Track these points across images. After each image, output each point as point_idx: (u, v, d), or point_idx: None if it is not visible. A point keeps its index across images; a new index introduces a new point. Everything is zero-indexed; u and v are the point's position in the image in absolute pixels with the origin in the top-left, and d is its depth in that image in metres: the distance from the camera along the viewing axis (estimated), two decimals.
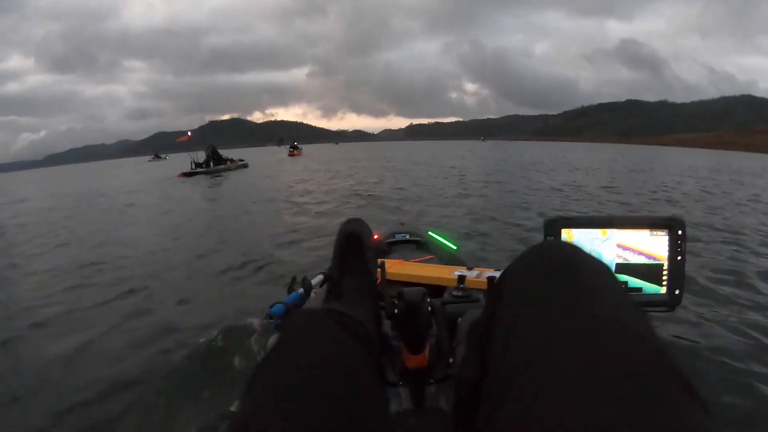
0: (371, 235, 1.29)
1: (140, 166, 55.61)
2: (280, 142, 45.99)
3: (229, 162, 27.94)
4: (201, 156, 26.79)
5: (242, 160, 29.92)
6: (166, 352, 2.93)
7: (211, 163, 26.31)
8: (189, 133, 30.34)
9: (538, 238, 1.04)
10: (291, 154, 43.70)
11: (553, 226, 1.03)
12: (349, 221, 1.32)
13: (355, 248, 1.25)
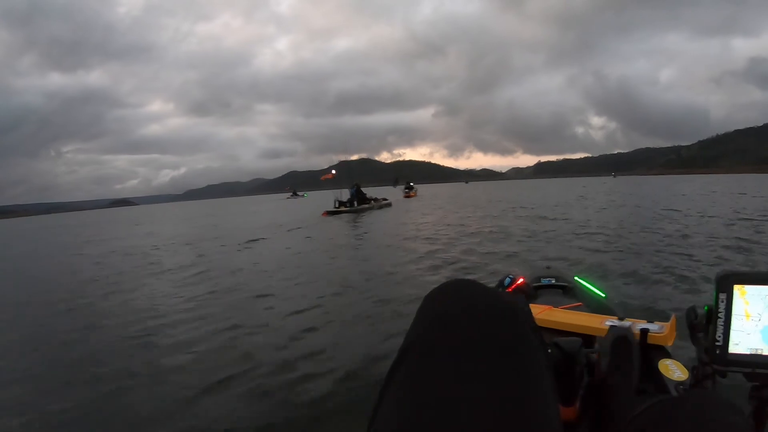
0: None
1: (280, 202, 58.16)
2: (395, 183, 43.51)
3: (372, 201, 27.77)
4: (345, 194, 26.63)
5: (386, 200, 29.85)
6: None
7: (355, 202, 26.06)
8: (333, 172, 30.78)
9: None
10: (407, 196, 40.21)
11: (726, 282, 0.94)
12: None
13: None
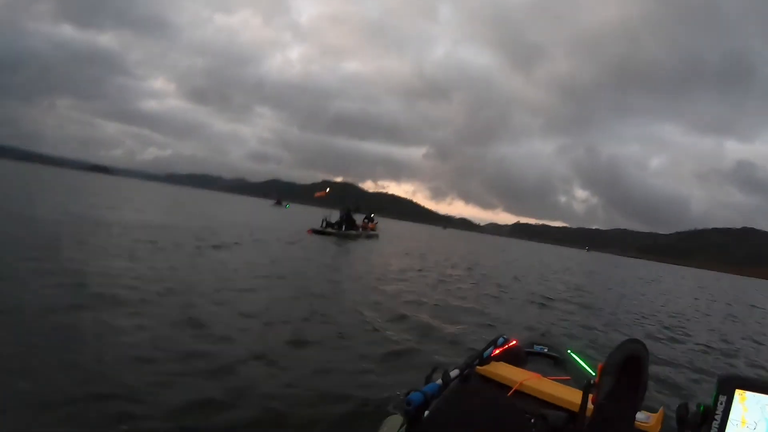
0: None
1: (263, 209, 57.60)
2: (349, 209, 31.05)
3: (361, 229, 27.30)
4: (335, 215, 25.88)
5: (374, 230, 29.47)
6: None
7: (344, 226, 25.35)
8: (328, 189, 30.58)
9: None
10: (364, 227, 31.92)
11: (728, 385, 0.97)
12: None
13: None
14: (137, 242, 10.94)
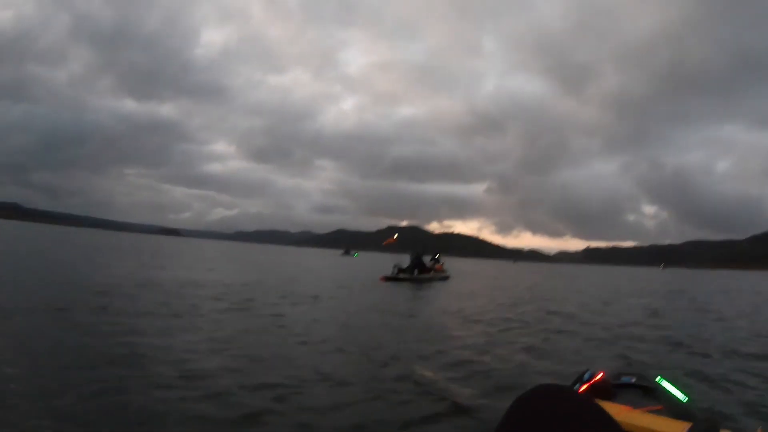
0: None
1: (333, 259, 58.49)
2: (418, 253, 29.35)
3: (432, 271, 27.01)
4: (405, 260, 25.85)
5: (445, 271, 29.11)
6: None
7: (416, 271, 25.11)
8: (396, 236, 30.80)
9: None
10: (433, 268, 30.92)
11: None
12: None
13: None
14: (225, 301, 11.54)
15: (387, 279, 23.53)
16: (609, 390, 2.40)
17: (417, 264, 25.64)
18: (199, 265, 27.48)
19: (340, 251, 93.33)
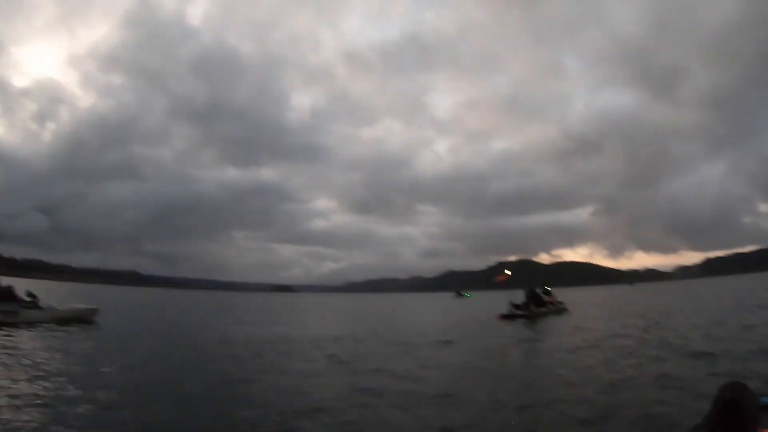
0: (757, 406, 1.09)
1: (445, 302, 58.42)
2: (532, 288, 27.89)
3: (549, 305, 26.31)
4: (518, 296, 25.14)
5: (561, 302, 28.30)
6: None
7: (531, 306, 24.52)
8: (507, 272, 30.47)
9: None
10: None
11: None
12: (733, 385, 1.16)
13: (735, 420, 1.10)
14: (365, 350, 12.55)
15: (504, 317, 23.25)
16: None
17: (532, 298, 25.06)
18: (325, 319, 28.64)
19: (452, 293, 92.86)
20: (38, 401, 6.47)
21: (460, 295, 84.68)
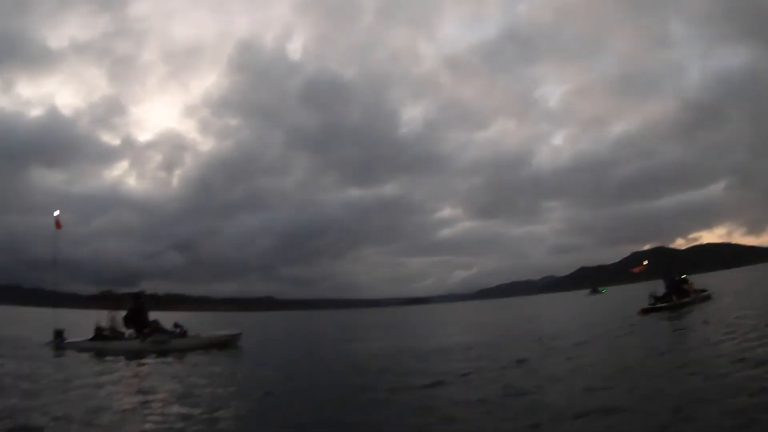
0: None
1: (581, 300, 56.85)
2: (673, 276, 24.84)
3: (692, 293, 24.87)
4: (658, 287, 24.20)
5: (705, 290, 26.56)
6: None
7: (674, 296, 23.38)
8: (645, 262, 29.50)
9: None
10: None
11: None
12: None
13: None
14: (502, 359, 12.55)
15: (646, 311, 22.41)
16: None
17: (673, 288, 24.02)
18: (459, 327, 28.81)
19: (586, 291, 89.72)
20: (191, 419, 7.25)
21: (595, 291, 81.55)
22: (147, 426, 6.99)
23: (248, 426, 7.24)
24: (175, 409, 8.03)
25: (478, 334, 22.72)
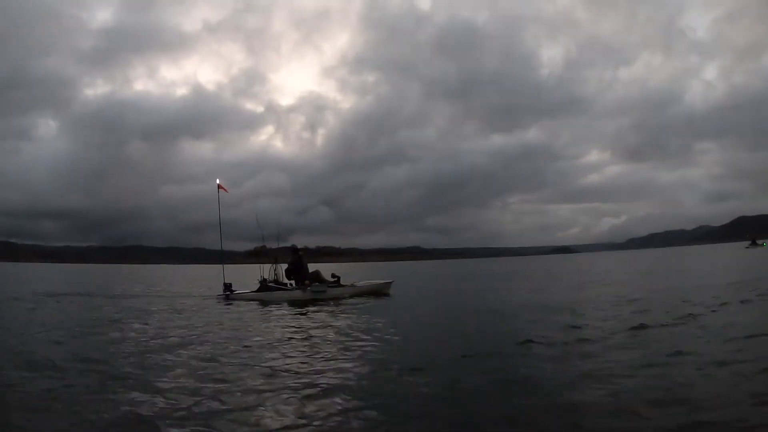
0: None
1: (741, 254, 52.25)
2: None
3: None
4: None
5: None
6: None
7: None
8: None
9: None
10: None
11: None
12: None
13: None
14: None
15: None
16: None
17: None
18: (605, 279, 27.06)
19: (745, 243, 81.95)
20: (351, 361, 7.72)
21: (755, 244, 74.00)
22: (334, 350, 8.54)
23: (419, 355, 8.10)
24: (348, 342, 9.31)
25: (636, 286, 21.40)
